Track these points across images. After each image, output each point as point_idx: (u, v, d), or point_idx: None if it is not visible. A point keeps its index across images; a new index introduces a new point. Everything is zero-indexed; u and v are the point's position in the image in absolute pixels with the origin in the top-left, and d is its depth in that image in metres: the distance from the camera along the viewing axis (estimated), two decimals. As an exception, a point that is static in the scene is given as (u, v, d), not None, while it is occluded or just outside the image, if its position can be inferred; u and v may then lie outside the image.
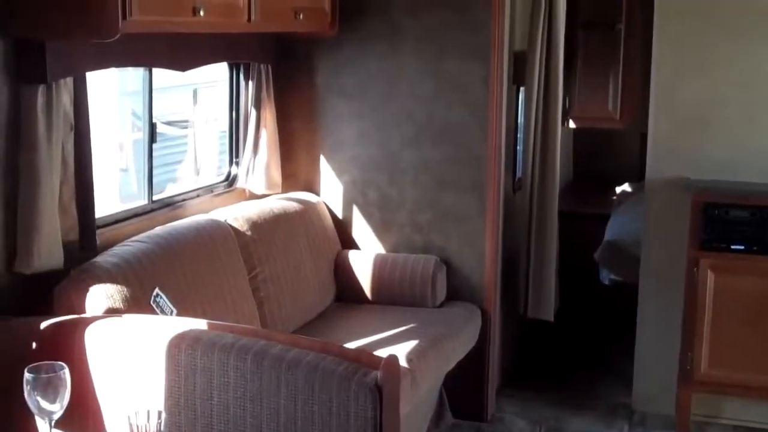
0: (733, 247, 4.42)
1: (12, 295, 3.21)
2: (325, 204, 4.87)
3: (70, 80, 3.26)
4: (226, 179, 4.69)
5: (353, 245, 4.87)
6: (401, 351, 3.95)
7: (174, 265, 3.54)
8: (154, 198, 4.08)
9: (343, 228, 4.88)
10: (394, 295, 4.64)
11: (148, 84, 3.94)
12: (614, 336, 5.66)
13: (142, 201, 4.04)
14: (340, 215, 4.88)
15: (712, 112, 4.67)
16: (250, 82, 4.57)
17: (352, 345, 4.00)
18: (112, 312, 3.18)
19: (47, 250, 3.19)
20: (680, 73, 4.69)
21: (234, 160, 4.68)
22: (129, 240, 3.55)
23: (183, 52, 3.94)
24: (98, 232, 3.63)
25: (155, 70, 3.94)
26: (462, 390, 4.72)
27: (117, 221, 3.82)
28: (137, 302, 3.29)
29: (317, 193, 4.89)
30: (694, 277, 4.47)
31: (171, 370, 2.90)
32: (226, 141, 4.73)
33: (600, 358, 5.65)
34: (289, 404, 2.77)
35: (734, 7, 4.59)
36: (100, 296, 3.19)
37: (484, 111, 4.58)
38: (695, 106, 4.69)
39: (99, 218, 3.72)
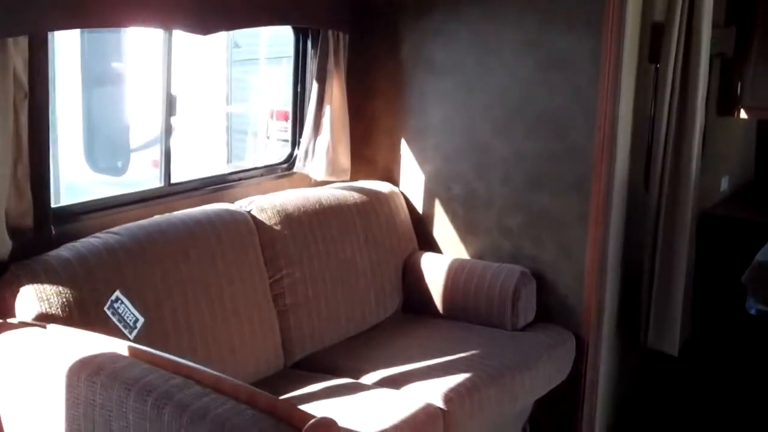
0: None
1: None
2: (404, 196, 4.15)
3: (23, 40, 2.73)
4: (286, 161, 4.07)
5: (434, 246, 4.13)
6: (442, 386, 3.21)
7: (152, 265, 2.97)
8: (174, 181, 3.52)
9: (422, 225, 4.15)
10: (468, 311, 3.88)
11: (167, 49, 3.37)
12: (757, 380, 4.52)
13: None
14: (420, 210, 4.16)
15: None
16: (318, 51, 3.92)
17: (388, 370, 3.33)
18: (43, 318, 2.66)
19: (-15, 236, 2.71)
20: None
21: (297, 140, 4.05)
22: (103, 231, 3.01)
23: (209, 11, 3.34)
24: (89, 216, 3.15)
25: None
26: (555, 428, 3.91)
27: (117, 205, 3.29)
28: (84, 308, 2.75)
29: (396, 183, 4.18)
30: None
31: (71, 403, 2.35)
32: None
33: (735, 405, 4.56)
34: (189, 465, 2.13)
35: None
36: (32, 299, 2.67)
37: (592, 95, 3.71)
38: None
39: (93, 200, 3.24)
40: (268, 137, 5.99)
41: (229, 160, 6.38)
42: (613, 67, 3.70)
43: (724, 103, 5.11)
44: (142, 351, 2.40)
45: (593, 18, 3.67)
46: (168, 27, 3.28)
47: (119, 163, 5.88)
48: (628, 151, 4.01)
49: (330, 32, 3.88)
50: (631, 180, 4.09)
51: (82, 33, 5.81)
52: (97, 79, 5.95)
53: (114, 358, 2.35)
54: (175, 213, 3.25)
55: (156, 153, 6.39)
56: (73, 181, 6.04)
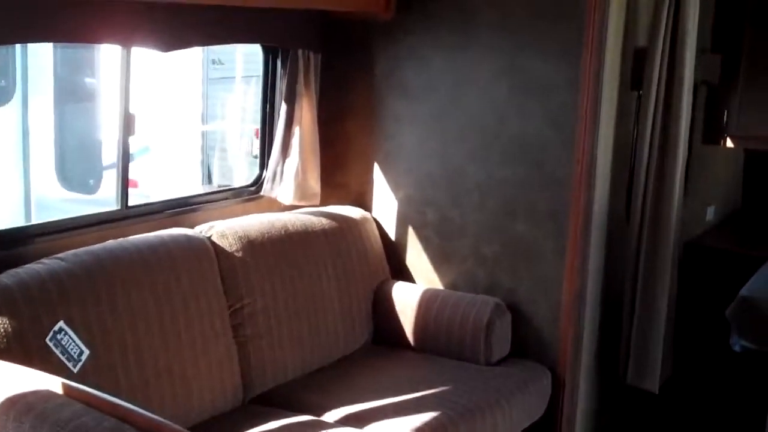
0: None
1: None
2: (376, 222, 4.00)
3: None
4: (254, 184, 3.92)
5: (406, 275, 3.98)
6: (408, 425, 3.05)
7: (100, 293, 2.81)
8: (132, 203, 3.37)
9: (395, 253, 4.01)
10: (440, 344, 3.72)
11: (125, 66, 3.22)
12: (740, 419, 4.34)
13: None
14: (393, 237, 4.01)
15: None
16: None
17: (353, 407, 3.18)
18: (-24, 350, 2.49)
19: None
20: None
21: (265, 163, 3.90)
22: (50, 257, 2.85)
23: (170, 27, 3.20)
24: (40, 240, 2.99)
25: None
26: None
27: (68, 229, 3.13)
28: (24, 339, 2.59)
29: (368, 209, 4.03)
30: None
31: (-2, 445, 2.17)
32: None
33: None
34: None
35: None
36: (-34, 329, 2.50)
37: (569, 122, 3.58)
38: None
39: (42, 224, 3.10)
40: (242, 154, 5.87)
41: (205, 181, 6.24)
42: (592, 93, 3.58)
43: (709, 131, 4.98)
44: (77, 390, 2.24)
45: (571, 44, 3.55)
46: (126, 44, 3.13)
47: (91, 181, 5.73)
48: (608, 180, 3.88)
49: (300, 52, 3.74)
50: (611, 210, 3.95)
51: (55, 47, 5.69)
52: (70, 94, 5.81)
53: (45, 396, 2.19)
54: (129, 238, 3.09)
55: (130, 172, 6.26)
56: (44, 197, 5.90)
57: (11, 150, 5.89)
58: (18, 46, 5.77)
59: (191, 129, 6.09)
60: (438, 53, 3.80)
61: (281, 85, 3.81)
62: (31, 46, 5.78)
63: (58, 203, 5.75)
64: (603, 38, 3.57)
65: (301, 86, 3.75)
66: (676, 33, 3.82)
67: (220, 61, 6.34)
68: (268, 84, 3.87)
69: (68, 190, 5.85)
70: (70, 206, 5.44)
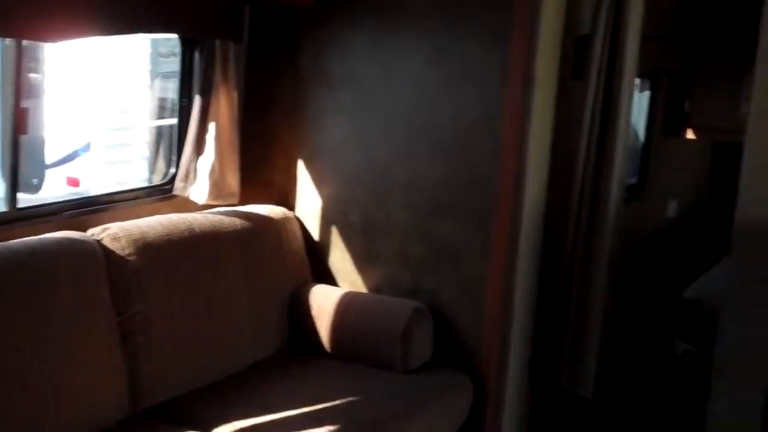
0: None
1: None
2: (299, 221, 3.80)
3: None
4: (169, 183, 3.72)
5: (329, 278, 3.78)
6: (299, 440, 2.85)
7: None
8: (21, 205, 3.18)
9: (318, 255, 3.80)
10: (358, 350, 3.53)
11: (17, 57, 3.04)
12: (683, 422, 4.08)
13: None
14: (316, 237, 3.81)
15: None
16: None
17: (246, 422, 3.00)
18: None
19: None
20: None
21: (179, 159, 3.70)
22: None
23: (62, 15, 2.99)
24: None
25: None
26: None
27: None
28: None
29: (292, 208, 3.83)
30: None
31: None
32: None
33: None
34: None
35: None
36: None
37: (498, 115, 3.37)
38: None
39: None
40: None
41: (151, 178, 6.04)
42: (520, 83, 3.36)
43: (670, 122, 4.77)
44: None
45: (500, 29, 3.36)
46: (9, 35, 2.93)
47: (34, 180, 5.53)
48: (545, 177, 3.67)
49: (217, 42, 3.53)
50: (551, 208, 3.74)
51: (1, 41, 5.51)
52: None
53: None
54: (8, 242, 2.89)
55: (71, 170, 6.08)
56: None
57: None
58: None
59: (140, 124, 5.90)
60: (362, 38, 3.61)
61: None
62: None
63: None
64: (535, 22, 3.35)
65: (218, 78, 3.55)
66: (619, 19, 3.59)
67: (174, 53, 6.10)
68: (185, 77, 3.67)
69: (11, 189, 5.68)
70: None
